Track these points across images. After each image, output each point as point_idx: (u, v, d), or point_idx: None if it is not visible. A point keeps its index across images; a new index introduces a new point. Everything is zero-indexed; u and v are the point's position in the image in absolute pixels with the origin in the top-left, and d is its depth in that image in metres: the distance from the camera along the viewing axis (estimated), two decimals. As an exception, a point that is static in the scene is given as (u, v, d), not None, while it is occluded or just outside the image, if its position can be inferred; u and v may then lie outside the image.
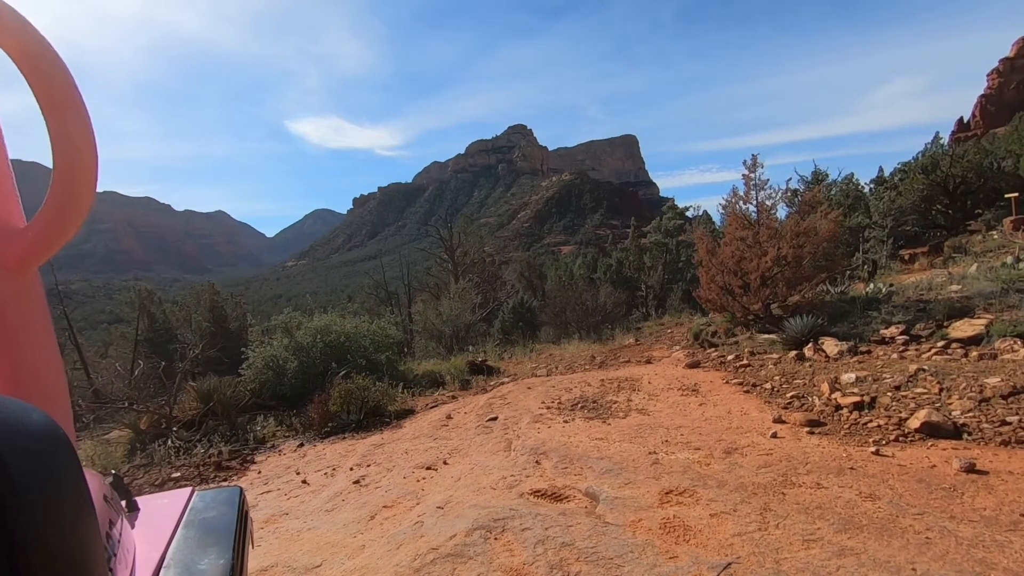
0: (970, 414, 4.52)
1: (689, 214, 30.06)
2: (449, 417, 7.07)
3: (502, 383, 8.96)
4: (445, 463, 5.23)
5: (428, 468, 5.12)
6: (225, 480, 6.00)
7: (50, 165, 0.98)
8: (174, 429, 7.50)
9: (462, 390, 9.05)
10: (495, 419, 6.50)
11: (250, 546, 1.56)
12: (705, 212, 27.87)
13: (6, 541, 0.45)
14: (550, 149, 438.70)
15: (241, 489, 1.63)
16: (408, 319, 21.66)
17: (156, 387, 9.69)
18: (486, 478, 4.47)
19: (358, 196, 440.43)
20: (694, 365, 8.12)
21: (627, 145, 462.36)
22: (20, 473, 0.48)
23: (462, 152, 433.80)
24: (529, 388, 7.95)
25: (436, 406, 8.09)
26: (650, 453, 4.64)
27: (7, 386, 0.95)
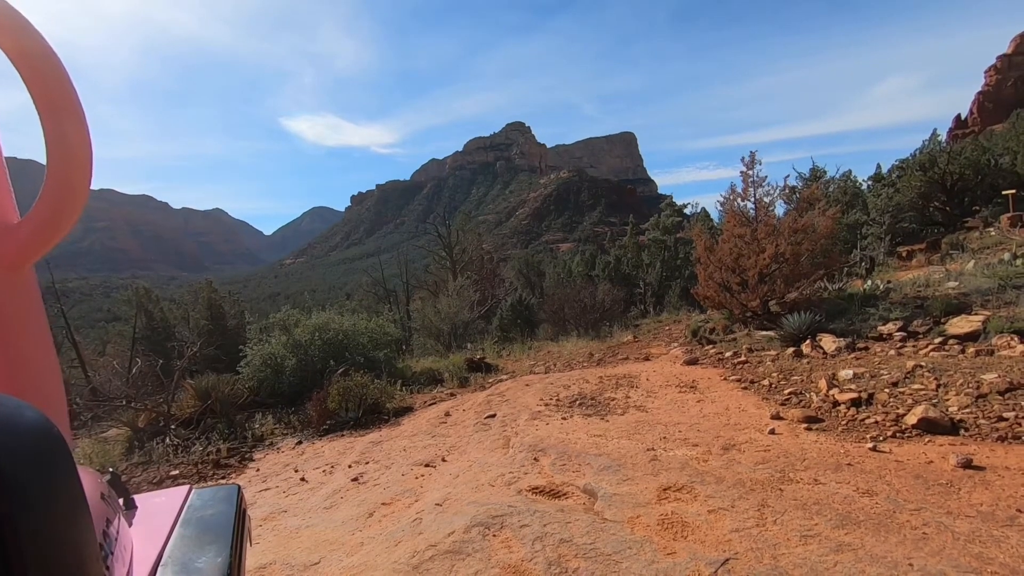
0: (967, 410, 4.53)
1: (687, 211, 30.07)
2: (447, 414, 7.07)
3: (500, 380, 8.96)
4: (443, 460, 5.23)
5: (426, 465, 5.12)
6: (223, 478, 5.99)
7: (44, 162, 0.98)
8: (172, 427, 7.49)
9: (460, 387, 9.05)
10: (493, 416, 6.51)
11: (248, 544, 1.56)
12: (703, 209, 27.81)
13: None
14: (548, 146, 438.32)
15: (239, 487, 1.63)
16: (406, 317, 21.65)
17: (154, 385, 9.67)
18: (484, 475, 4.48)
19: (356, 194, 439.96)
20: (692, 362, 8.13)
21: (625, 143, 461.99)
22: (13, 471, 0.48)
23: (460, 149, 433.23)
24: (527, 385, 7.95)
25: (434, 403, 8.09)
26: (648, 450, 4.64)
27: (1, 383, 0.95)
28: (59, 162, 0.97)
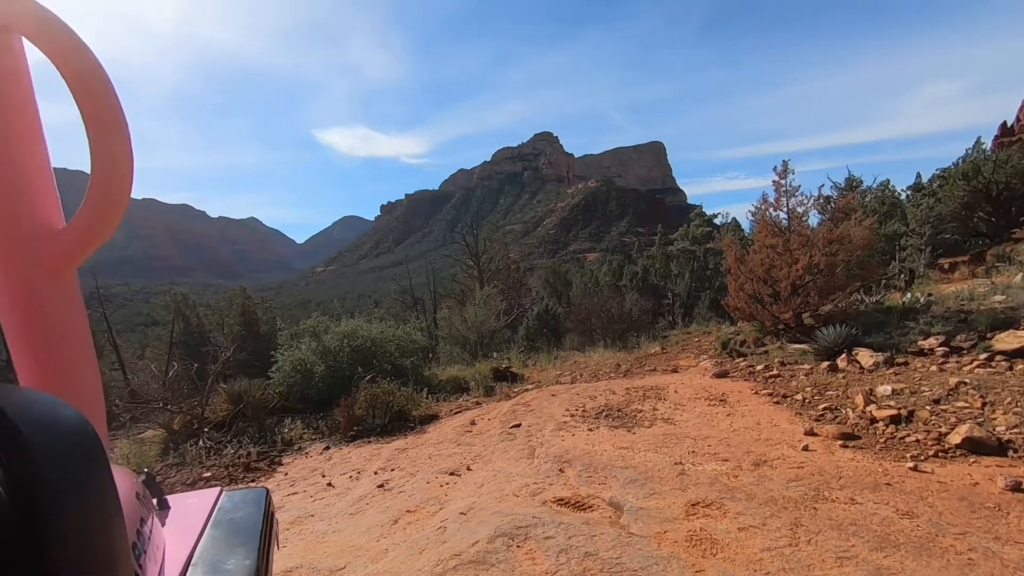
0: (1016, 430, 4.31)
1: (717, 221, 29.58)
2: (473, 423, 7.07)
3: (526, 390, 8.93)
4: (468, 469, 5.23)
5: (451, 474, 5.12)
6: (253, 481, 6.11)
7: (85, 170, 1.04)
8: (205, 430, 7.68)
9: (486, 396, 9.05)
10: (519, 426, 6.48)
11: (275, 547, 1.58)
12: (734, 219, 27.29)
13: (31, 533, 0.46)
14: (576, 156, 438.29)
15: (268, 490, 1.66)
16: (433, 325, 21.81)
17: (189, 388, 9.96)
18: (509, 485, 4.45)
19: (385, 203, 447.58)
20: (722, 375, 7.96)
21: (654, 152, 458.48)
22: (48, 466, 0.49)
23: (488, 159, 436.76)
24: (553, 395, 7.90)
25: (460, 412, 8.10)
26: (676, 463, 4.55)
27: (42, 382, 0.99)
28: (102, 173, 1.03)
